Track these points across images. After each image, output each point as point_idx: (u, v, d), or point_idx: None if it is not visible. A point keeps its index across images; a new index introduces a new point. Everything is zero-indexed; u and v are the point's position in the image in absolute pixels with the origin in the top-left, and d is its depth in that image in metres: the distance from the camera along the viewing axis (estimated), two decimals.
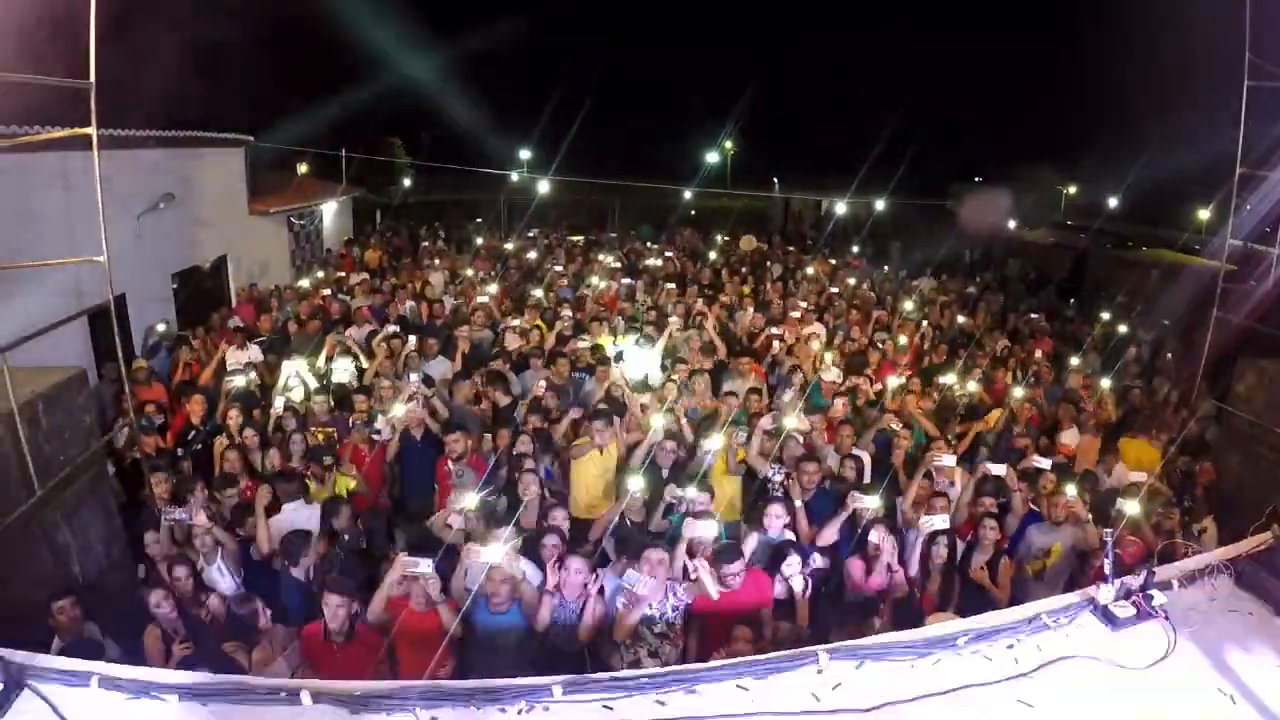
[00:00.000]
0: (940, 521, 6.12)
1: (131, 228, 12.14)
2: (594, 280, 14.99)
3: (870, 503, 6.50)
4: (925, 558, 6.30)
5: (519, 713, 3.12)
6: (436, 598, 5.16)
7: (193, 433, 8.44)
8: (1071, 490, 6.86)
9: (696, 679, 3.30)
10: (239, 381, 9.15)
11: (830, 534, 6.62)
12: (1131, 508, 6.32)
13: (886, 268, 20.07)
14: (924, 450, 8.08)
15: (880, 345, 11.81)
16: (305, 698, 3.12)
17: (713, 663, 3.49)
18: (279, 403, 8.76)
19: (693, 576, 5.55)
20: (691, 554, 5.79)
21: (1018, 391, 9.50)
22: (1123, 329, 13.44)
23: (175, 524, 6.36)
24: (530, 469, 7.06)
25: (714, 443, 7.33)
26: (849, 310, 13.84)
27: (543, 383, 9.05)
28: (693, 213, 29.93)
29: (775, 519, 6.42)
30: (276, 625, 5.55)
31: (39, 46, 7.13)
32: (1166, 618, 3.70)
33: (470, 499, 6.29)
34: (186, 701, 3.14)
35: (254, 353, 10.76)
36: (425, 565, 5.03)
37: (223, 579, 6.25)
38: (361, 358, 10.46)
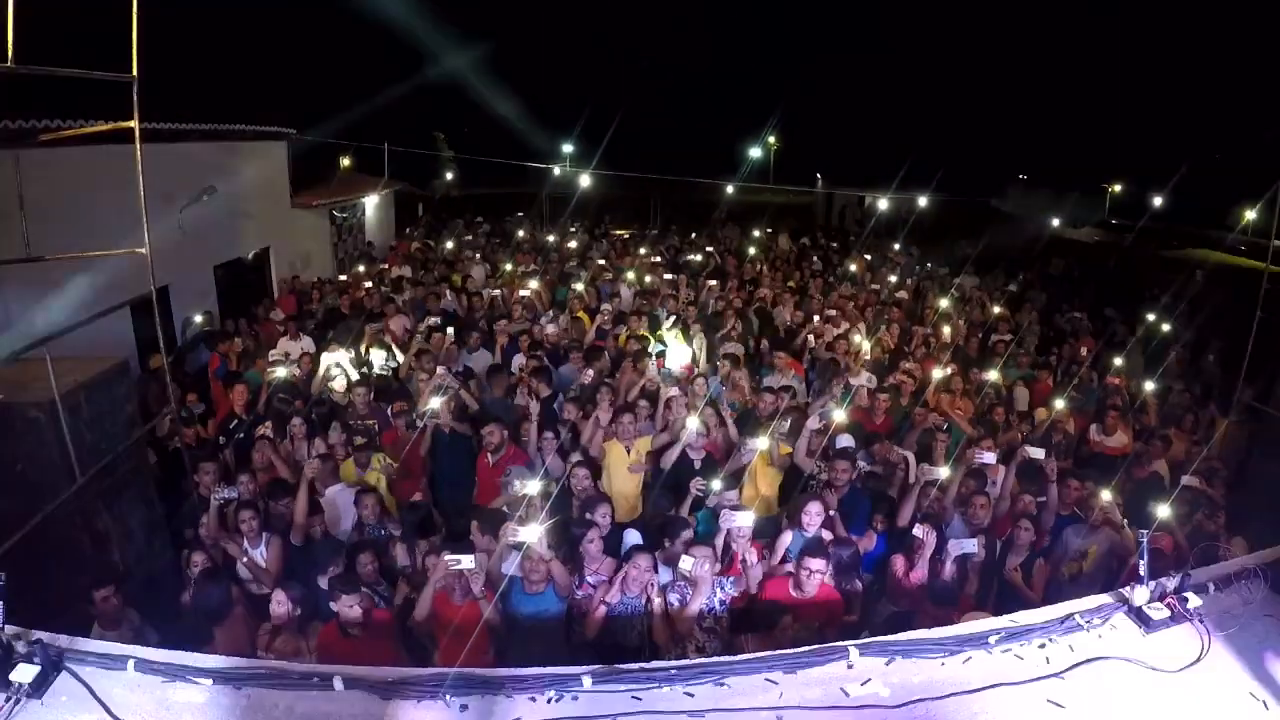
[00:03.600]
0: (970, 545, 6.04)
1: (174, 220, 12.29)
2: (630, 275, 14.99)
3: (941, 473, 6.58)
4: (962, 558, 6.25)
5: (549, 701, 3.14)
6: (478, 592, 5.21)
7: (234, 422, 8.54)
8: (1107, 495, 6.77)
9: (726, 671, 3.31)
10: (280, 372, 9.25)
11: (908, 511, 6.68)
12: (1163, 511, 6.23)
13: (930, 264, 19.86)
14: (965, 447, 8.02)
15: (923, 341, 11.74)
16: (338, 683, 3.16)
17: (742, 656, 3.50)
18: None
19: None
20: (729, 546, 5.81)
21: (1059, 403, 9.33)
22: (1165, 329, 13.23)
23: (225, 503, 6.44)
24: (581, 460, 7.13)
25: (760, 442, 7.24)
26: (890, 307, 13.73)
27: (590, 372, 9.07)
28: (734, 208, 29.80)
29: (815, 516, 6.34)
30: (314, 622, 5.59)
31: (82, 40, 7.25)
32: (1201, 621, 3.65)
33: (534, 484, 6.33)
34: (220, 685, 3.19)
35: (306, 343, 10.90)
36: (469, 561, 5.09)
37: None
38: (396, 352, 10.54)
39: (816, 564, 5.51)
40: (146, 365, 10.27)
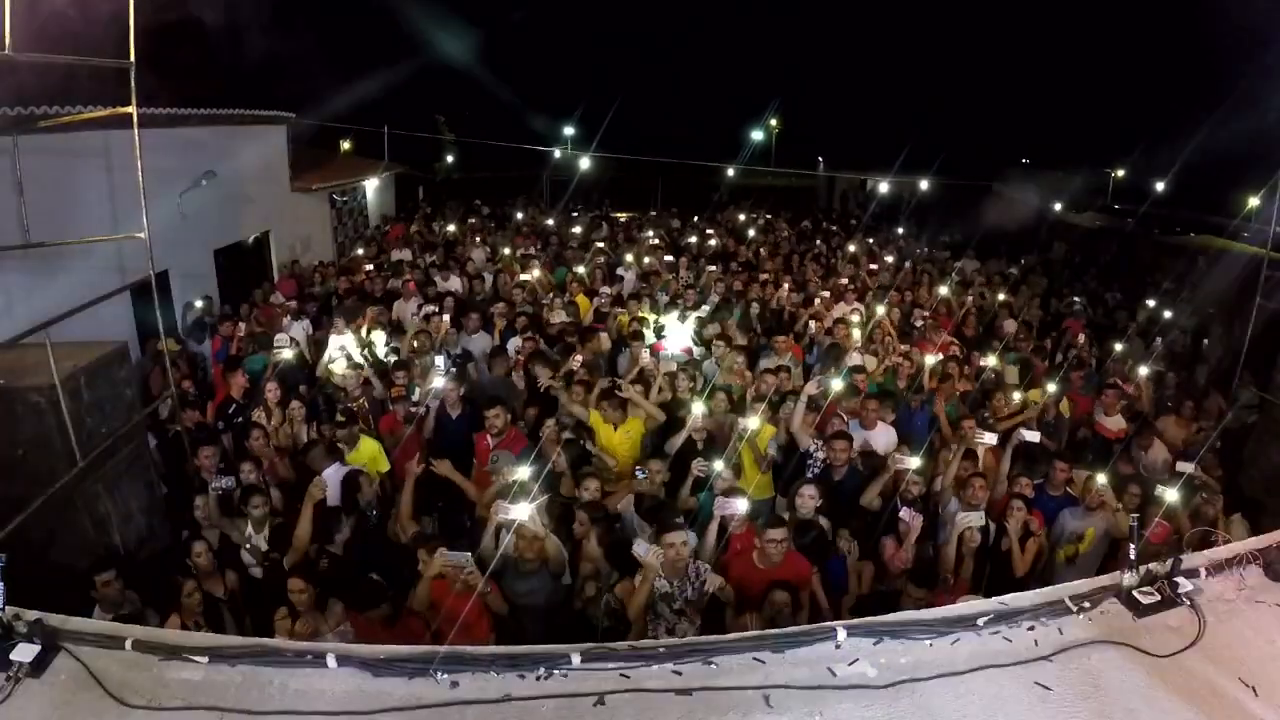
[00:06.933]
0: (975, 519, 6.07)
1: (173, 205, 12.28)
2: (629, 258, 14.98)
3: (912, 463, 6.58)
4: (958, 541, 6.27)
5: (538, 679, 3.17)
6: (480, 589, 5.16)
7: (233, 406, 8.57)
8: (1102, 478, 6.77)
9: (714, 650, 3.33)
10: (287, 355, 9.29)
11: (871, 495, 6.73)
12: (1170, 495, 6.23)
13: (929, 248, 19.81)
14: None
15: (918, 325, 11.74)
16: (330, 660, 3.19)
17: (730, 635, 3.52)
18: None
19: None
20: (724, 531, 5.83)
21: (1051, 386, 9.32)
22: (1167, 315, 13.21)
23: (223, 492, 6.46)
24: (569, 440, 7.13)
25: (751, 422, 7.22)
26: (890, 291, 13.68)
27: (579, 359, 9.06)
28: (737, 192, 29.74)
29: (809, 499, 6.36)
30: (334, 602, 5.60)
31: (80, 26, 7.25)
32: (1192, 606, 3.66)
33: (524, 471, 6.31)
34: (216, 664, 3.23)
35: (305, 325, 10.95)
36: (464, 559, 5.06)
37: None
38: (389, 336, 10.56)
39: (776, 534, 5.58)
40: (147, 348, 10.28)
